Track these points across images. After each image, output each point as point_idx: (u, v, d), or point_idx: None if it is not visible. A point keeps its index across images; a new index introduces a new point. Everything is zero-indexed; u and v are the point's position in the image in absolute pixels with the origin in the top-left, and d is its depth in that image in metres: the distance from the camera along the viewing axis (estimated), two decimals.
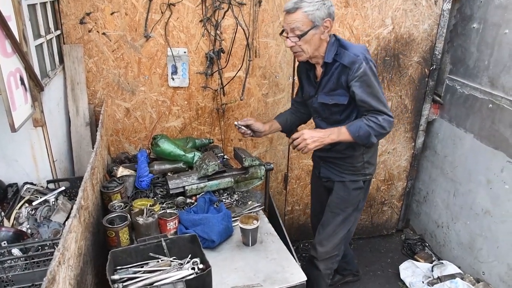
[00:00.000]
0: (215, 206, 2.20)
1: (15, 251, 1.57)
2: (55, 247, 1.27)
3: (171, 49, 2.70)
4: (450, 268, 3.03)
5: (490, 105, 2.74)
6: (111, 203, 2.04)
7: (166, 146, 2.47)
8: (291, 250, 2.00)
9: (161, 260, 1.61)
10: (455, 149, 3.14)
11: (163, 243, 1.63)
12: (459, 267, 3.06)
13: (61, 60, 2.57)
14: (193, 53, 2.76)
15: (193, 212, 2.10)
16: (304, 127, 2.54)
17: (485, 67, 2.81)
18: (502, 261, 2.71)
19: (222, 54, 2.78)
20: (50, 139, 2.17)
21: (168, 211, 2.03)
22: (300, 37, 2.02)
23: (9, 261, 1.54)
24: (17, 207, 1.96)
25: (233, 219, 2.10)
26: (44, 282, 1.11)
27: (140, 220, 1.87)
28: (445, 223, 3.31)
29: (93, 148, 2.09)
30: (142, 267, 1.58)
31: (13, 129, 1.69)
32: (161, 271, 1.54)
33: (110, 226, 1.82)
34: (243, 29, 2.74)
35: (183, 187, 2.25)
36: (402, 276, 3.18)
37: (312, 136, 2.07)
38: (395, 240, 3.75)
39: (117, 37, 2.62)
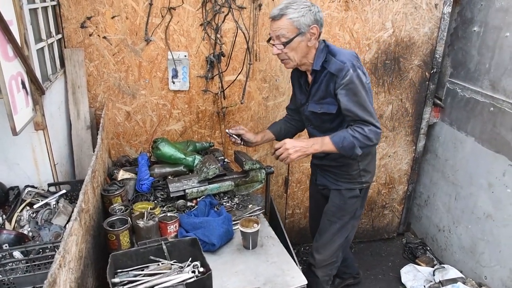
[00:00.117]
0: (215, 209, 2.20)
1: (17, 254, 1.57)
2: (56, 250, 1.27)
3: (171, 52, 2.71)
4: (452, 272, 3.02)
5: (491, 109, 2.75)
6: (112, 206, 2.04)
7: (167, 149, 2.47)
8: (292, 253, 1.99)
9: (162, 263, 1.61)
10: (456, 153, 3.14)
11: (164, 246, 1.63)
12: (461, 271, 3.05)
13: (62, 64, 2.58)
14: (193, 56, 2.77)
15: (193, 215, 2.10)
16: (302, 135, 2.55)
17: (486, 70, 2.81)
18: (504, 265, 2.70)
19: (222, 57, 2.79)
20: (51, 143, 2.17)
21: (168, 214, 2.02)
22: (285, 44, 1.98)
23: (11, 263, 1.55)
24: (19, 210, 1.96)
25: (233, 223, 2.10)
26: (45, 285, 1.11)
27: (141, 223, 1.87)
28: (447, 227, 3.30)
29: (94, 151, 2.10)
30: (142, 270, 1.58)
31: (15, 133, 1.69)
32: (162, 274, 1.54)
33: (111, 229, 1.82)
34: (243, 33, 2.75)
35: (184, 190, 2.25)
36: (403, 280, 3.17)
37: (294, 146, 2.03)
38: (396, 244, 3.74)
39: (118, 41, 2.63)
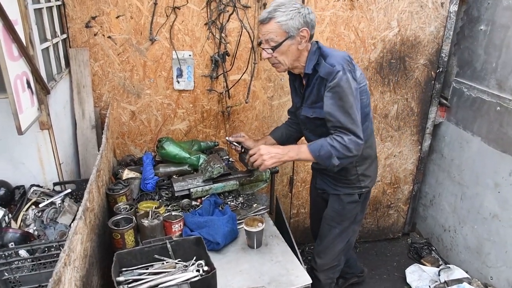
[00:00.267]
0: (220, 208, 2.20)
1: (22, 252, 1.58)
2: (61, 248, 1.27)
3: (176, 52, 2.71)
4: (457, 272, 3.00)
5: (498, 108, 2.73)
6: (117, 205, 2.05)
7: (172, 148, 2.47)
8: (297, 253, 1.99)
9: (166, 262, 1.61)
10: (462, 152, 3.12)
11: (168, 245, 1.63)
12: (467, 272, 3.03)
13: (67, 64, 2.59)
14: (198, 56, 2.77)
15: (198, 214, 2.10)
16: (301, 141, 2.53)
17: (492, 70, 2.79)
18: (510, 266, 2.68)
19: (227, 57, 2.79)
20: (57, 142, 2.18)
21: (173, 213, 2.03)
22: (273, 49, 1.93)
23: (17, 262, 1.55)
24: (24, 209, 1.97)
25: (238, 222, 2.10)
26: (50, 283, 1.11)
27: (146, 222, 1.87)
28: (452, 227, 3.28)
29: (98, 150, 2.10)
30: (147, 269, 1.58)
31: (20, 132, 1.70)
32: (166, 273, 1.54)
33: (116, 228, 1.82)
34: (248, 32, 2.75)
35: (188, 189, 2.25)
36: (408, 280, 3.16)
37: (269, 152, 1.96)
38: (401, 244, 3.72)
39: (123, 40, 2.64)
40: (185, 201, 2.23)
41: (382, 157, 3.38)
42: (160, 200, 2.29)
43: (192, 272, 1.53)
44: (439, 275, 3.05)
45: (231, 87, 2.88)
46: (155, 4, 2.57)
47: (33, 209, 1.97)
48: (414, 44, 3.04)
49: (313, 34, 1.98)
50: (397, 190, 3.57)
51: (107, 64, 2.68)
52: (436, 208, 3.50)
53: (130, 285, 1.48)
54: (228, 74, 2.85)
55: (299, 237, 3.48)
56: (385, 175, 3.47)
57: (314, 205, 2.65)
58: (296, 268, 1.83)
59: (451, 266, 3.11)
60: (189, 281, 1.43)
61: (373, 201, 3.56)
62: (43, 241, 1.73)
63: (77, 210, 1.54)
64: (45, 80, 2.03)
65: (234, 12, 2.68)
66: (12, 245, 1.62)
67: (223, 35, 2.73)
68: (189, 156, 2.49)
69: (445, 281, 2.92)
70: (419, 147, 3.43)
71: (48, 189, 2.16)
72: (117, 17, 2.57)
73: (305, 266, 1.90)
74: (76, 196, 2.18)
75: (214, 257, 1.67)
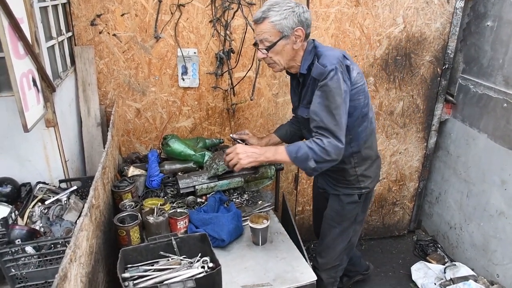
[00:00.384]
0: (225, 205, 2.21)
1: (29, 249, 1.59)
2: (67, 245, 1.28)
3: (181, 49, 2.71)
4: (463, 270, 2.99)
5: (505, 105, 2.70)
6: (122, 202, 2.06)
7: (177, 146, 2.48)
8: (302, 249, 1.98)
9: (171, 259, 1.61)
10: (469, 149, 3.10)
11: (173, 242, 1.64)
12: (473, 269, 3.02)
13: (73, 62, 2.60)
14: (203, 53, 2.77)
15: (203, 211, 2.11)
16: None
17: (499, 66, 2.77)
18: None
19: (232, 54, 2.79)
20: (62, 139, 2.19)
21: (178, 210, 2.04)
22: (268, 49, 1.91)
23: (23, 258, 1.56)
24: (31, 206, 1.99)
25: (243, 219, 2.10)
26: (56, 279, 1.12)
27: (151, 219, 1.88)
28: (458, 224, 3.26)
29: (104, 148, 2.11)
30: (152, 265, 1.59)
31: (26, 129, 1.71)
32: (171, 270, 1.55)
33: (121, 225, 1.83)
34: (253, 29, 2.73)
35: (194, 186, 2.26)
36: (414, 277, 3.15)
37: (246, 151, 1.93)
38: (407, 241, 3.71)
39: (128, 38, 2.64)
40: (190, 198, 2.24)
41: (388, 154, 3.37)
42: (165, 197, 2.29)
43: (197, 269, 1.53)
44: (444, 272, 3.03)
45: (236, 85, 2.88)
46: (160, 1, 2.57)
47: (39, 206, 1.98)
48: (419, 41, 3.02)
49: (309, 33, 1.95)
50: (402, 187, 3.55)
51: (112, 62, 2.68)
52: (442, 205, 3.48)
53: (135, 281, 1.49)
54: (233, 71, 2.85)
55: (304, 235, 3.47)
56: (390, 172, 3.45)
57: (316, 203, 2.65)
58: (301, 265, 1.83)
59: (457, 263, 3.10)
60: (194, 278, 1.43)
61: (378, 199, 3.55)
62: (49, 237, 1.74)
63: (83, 207, 1.55)
64: (51, 78, 2.04)
65: (239, 9, 2.67)
66: (18, 241, 1.63)
67: (228, 32, 2.73)
68: (194, 153, 2.49)
69: (451, 279, 2.91)
70: (425, 144, 3.41)
71: (54, 186, 2.17)
72: (122, 15, 2.58)
73: (311, 263, 1.90)
74: (82, 193, 2.19)
75: (219, 254, 1.67)
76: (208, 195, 2.28)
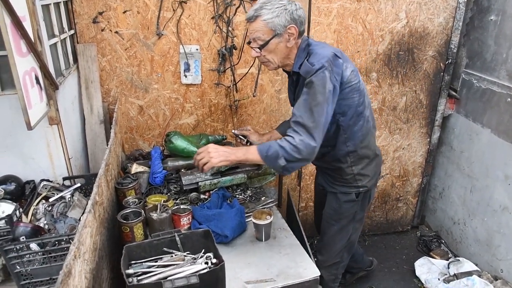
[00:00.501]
0: (228, 202, 2.21)
1: (33, 246, 1.60)
2: (71, 242, 1.29)
3: (183, 46, 2.71)
4: (467, 265, 2.98)
5: (508, 99, 2.69)
6: (126, 199, 2.06)
7: (180, 142, 2.48)
8: (306, 245, 1.99)
9: (175, 255, 1.61)
10: (472, 145, 3.09)
11: (177, 238, 1.64)
12: (476, 265, 3.02)
13: (75, 59, 2.60)
14: (205, 50, 2.77)
15: (206, 207, 2.11)
16: None
17: (503, 60, 2.75)
18: None
19: (234, 50, 2.78)
20: (66, 137, 2.20)
21: (181, 206, 2.04)
22: (260, 47, 1.89)
23: (28, 255, 1.57)
24: (35, 204, 2.00)
25: (246, 215, 2.10)
26: (60, 275, 1.12)
27: (154, 215, 1.89)
28: (462, 219, 3.26)
29: (107, 145, 2.12)
30: (156, 261, 1.59)
31: (29, 127, 1.72)
32: (175, 266, 1.55)
33: (125, 221, 1.84)
34: None
35: (197, 183, 2.26)
36: (417, 273, 3.15)
37: (217, 150, 1.89)
38: (410, 237, 3.71)
39: (130, 35, 2.64)
40: (194, 194, 2.24)
41: (391, 150, 3.36)
42: (169, 194, 2.30)
43: (200, 265, 1.54)
44: (448, 268, 3.03)
45: (239, 81, 2.88)
46: None
47: (43, 203, 1.99)
48: (422, 36, 3.01)
49: (303, 31, 1.93)
50: (406, 183, 3.55)
51: (115, 59, 2.69)
52: (445, 200, 3.47)
53: (139, 278, 1.49)
54: (236, 68, 2.84)
55: (307, 231, 3.45)
56: (393, 168, 3.45)
57: (317, 200, 2.64)
58: (304, 261, 1.84)
59: (460, 259, 3.09)
60: (197, 274, 1.44)
61: (381, 194, 3.55)
62: (53, 234, 1.74)
63: (87, 204, 1.56)
64: (54, 75, 2.04)
65: (241, 6, 2.67)
66: (23, 238, 1.64)
67: (230, 28, 2.73)
68: (197, 149, 2.48)
69: (454, 274, 2.91)
70: (428, 139, 3.40)
71: (58, 183, 2.18)
72: (124, 12, 2.58)
73: (315, 259, 1.90)
74: (86, 191, 2.20)
75: (222, 250, 1.68)
76: (211, 192, 2.28)
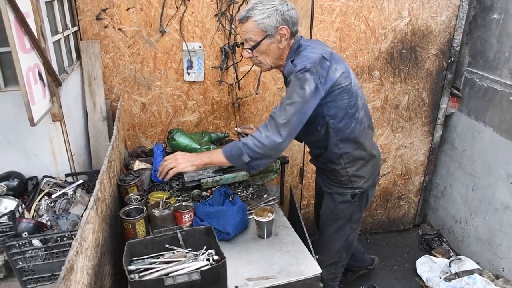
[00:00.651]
0: (230, 199, 2.21)
1: (36, 242, 1.61)
2: (73, 238, 1.29)
3: (186, 43, 2.71)
4: (468, 263, 2.99)
5: (511, 98, 2.69)
6: (128, 195, 2.07)
7: (182, 140, 2.49)
8: (308, 243, 1.99)
9: (177, 252, 1.62)
10: (474, 143, 3.09)
11: (179, 235, 1.65)
12: (478, 263, 3.02)
13: (78, 56, 2.61)
14: (208, 47, 2.77)
15: (208, 204, 2.12)
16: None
17: (506, 59, 2.75)
18: None
19: (237, 48, 2.78)
20: (68, 134, 2.21)
21: (183, 203, 2.05)
22: (252, 49, 1.89)
23: (30, 251, 1.58)
24: (37, 200, 2.01)
25: (248, 212, 2.11)
26: (62, 270, 1.13)
27: (156, 212, 1.90)
28: (464, 218, 3.26)
29: (110, 142, 2.12)
30: (158, 258, 1.60)
31: (32, 123, 1.73)
32: (177, 262, 1.56)
33: (127, 218, 1.85)
34: None
35: (199, 180, 2.27)
36: (419, 271, 3.15)
37: (184, 156, 1.94)
38: (412, 235, 3.71)
39: (133, 32, 2.65)
40: (196, 191, 2.25)
41: (393, 148, 3.36)
42: (171, 191, 2.31)
43: (202, 261, 1.54)
44: (450, 266, 3.03)
45: (241, 78, 2.88)
46: None
47: (45, 199, 2.00)
48: (425, 34, 3.00)
49: (295, 31, 1.92)
50: (408, 181, 3.55)
51: (118, 56, 2.69)
52: (447, 199, 3.47)
53: (141, 274, 1.50)
54: (238, 65, 2.85)
55: (309, 228, 3.45)
56: (396, 166, 3.45)
57: (317, 199, 2.64)
58: (306, 258, 1.84)
59: (462, 257, 3.09)
60: (199, 270, 1.44)
61: (383, 193, 3.55)
62: (55, 231, 1.75)
63: (89, 201, 1.56)
64: (57, 72, 2.05)
65: (244, 3, 2.67)
66: (25, 234, 1.65)
67: (233, 26, 2.73)
68: (199, 147, 2.50)
69: (456, 272, 2.91)
70: (430, 138, 3.40)
71: (61, 180, 2.19)
72: (127, 9, 2.58)
73: (316, 256, 1.91)
74: (88, 187, 2.21)
75: (224, 247, 1.68)
76: (213, 189, 2.28)
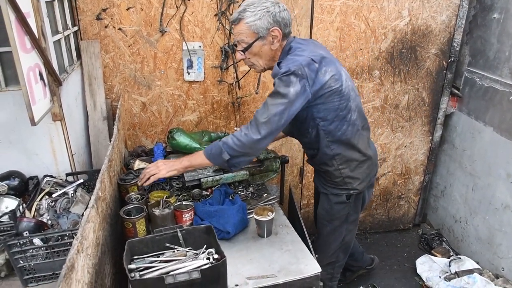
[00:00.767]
0: (230, 198, 2.22)
1: (36, 241, 1.61)
2: (74, 237, 1.30)
3: (186, 43, 2.72)
4: (468, 263, 2.99)
5: (511, 98, 2.69)
6: (128, 195, 2.07)
7: (182, 139, 2.49)
8: (308, 242, 1.99)
9: (177, 250, 1.63)
10: (474, 143, 3.09)
11: (179, 234, 1.65)
12: (478, 263, 3.02)
13: (79, 56, 2.61)
14: (208, 47, 2.77)
15: (208, 204, 2.12)
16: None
17: (506, 59, 2.75)
18: None
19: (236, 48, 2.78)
20: (69, 133, 2.21)
21: (184, 203, 2.05)
22: (244, 50, 1.90)
23: (31, 250, 1.59)
24: (38, 199, 2.01)
25: (248, 211, 2.11)
26: (63, 268, 1.13)
27: (157, 211, 1.90)
28: (463, 217, 3.26)
29: (110, 141, 2.13)
30: (158, 257, 1.60)
31: (33, 123, 1.73)
32: (177, 261, 1.56)
33: (127, 217, 1.85)
34: None
35: (199, 179, 2.27)
36: (418, 271, 3.15)
37: (165, 163, 2.02)
38: (412, 235, 3.71)
39: (133, 32, 2.65)
40: (196, 191, 2.25)
41: (393, 148, 3.37)
42: (171, 190, 2.31)
43: (202, 260, 1.55)
44: (449, 266, 3.04)
45: (241, 78, 2.89)
46: None
47: (46, 199, 2.00)
48: (425, 34, 3.00)
49: (288, 32, 1.93)
50: (408, 181, 3.55)
51: (118, 56, 2.70)
52: (447, 199, 3.48)
53: (141, 273, 1.50)
54: (238, 65, 2.85)
55: (309, 228, 3.46)
56: (395, 166, 3.45)
57: (316, 198, 2.64)
58: (306, 257, 1.84)
59: (462, 256, 3.09)
60: (199, 269, 1.45)
61: (383, 192, 3.55)
62: (56, 230, 1.76)
63: (89, 200, 1.57)
64: (57, 72, 2.06)
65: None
66: (26, 233, 1.65)
67: (233, 26, 2.73)
68: (199, 146, 2.50)
69: (455, 272, 2.91)
70: (430, 137, 3.40)
71: (61, 179, 2.19)
72: (128, 9, 2.59)
73: (317, 255, 1.91)
74: (88, 187, 2.21)
75: (224, 246, 1.68)
76: (213, 188, 2.29)
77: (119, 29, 2.63)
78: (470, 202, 3.17)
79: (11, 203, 1.94)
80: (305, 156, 3.24)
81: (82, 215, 1.89)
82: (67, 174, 2.21)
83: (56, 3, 2.24)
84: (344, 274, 2.90)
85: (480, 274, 2.83)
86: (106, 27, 2.61)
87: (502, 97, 2.76)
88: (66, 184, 2.14)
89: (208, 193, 2.27)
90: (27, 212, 1.91)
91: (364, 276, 3.13)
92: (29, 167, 2.17)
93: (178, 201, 2.12)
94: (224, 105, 2.97)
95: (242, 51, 1.91)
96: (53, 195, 2.04)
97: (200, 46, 2.75)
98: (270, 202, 2.24)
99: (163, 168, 1.99)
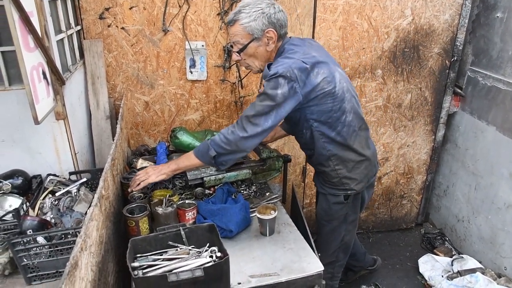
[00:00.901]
0: (233, 197, 2.22)
1: (40, 239, 1.62)
2: (77, 235, 1.30)
3: (189, 42, 2.72)
4: (471, 262, 2.98)
5: None
6: (131, 193, 2.08)
7: (185, 138, 2.50)
8: (310, 240, 1.99)
9: (180, 249, 1.63)
10: (477, 142, 3.09)
11: (182, 232, 1.65)
12: (480, 262, 3.01)
13: (82, 55, 2.62)
14: (211, 46, 2.78)
15: (211, 202, 2.12)
16: None
17: (509, 58, 2.74)
18: None
19: None
20: (72, 132, 2.22)
21: (186, 201, 2.05)
22: (239, 52, 1.91)
23: (35, 248, 1.59)
24: (41, 198, 2.02)
25: (251, 210, 2.11)
26: (67, 266, 1.14)
27: (160, 210, 1.90)
28: (466, 217, 3.26)
29: (113, 140, 2.13)
30: (161, 255, 1.61)
31: (36, 122, 1.73)
32: (180, 259, 1.56)
33: (130, 215, 1.85)
34: None
35: (202, 178, 2.27)
36: (421, 270, 3.15)
37: (154, 168, 2.06)
38: (415, 234, 3.71)
39: (136, 31, 2.66)
40: (199, 189, 2.25)
41: (395, 147, 3.36)
42: (174, 189, 2.31)
43: (205, 258, 1.55)
44: (452, 265, 3.03)
45: (244, 77, 2.89)
46: None
47: (49, 197, 2.01)
48: (428, 33, 3.00)
49: (284, 33, 1.93)
50: (410, 180, 3.55)
51: (121, 55, 2.70)
52: (450, 198, 3.47)
53: (144, 271, 1.51)
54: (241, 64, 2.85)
55: (312, 227, 3.46)
56: (398, 165, 3.45)
57: (317, 197, 2.64)
58: (308, 255, 1.85)
59: (464, 256, 3.09)
60: (202, 267, 1.45)
61: (386, 191, 3.55)
62: (60, 228, 1.76)
63: (93, 199, 1.57)
64: (60, 71, 2.06)
65: None
66: (30, 232, 1.66)
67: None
68: None
69: (458, 271, 2.91)
70: (433, 137, 3.40)
71: (64, 178, 2.20)
72: (130, 8, 2.59)
73: (319, 254, 1.91)
74: (92, 185, 2.22)
75: (227, 244, 1.69)
76: (216, 187, 2.29)
77: (122, 28, 2.63)
78: (472, 201, 3.16)
79: (14, 201, 1.95)
80: None
81: (86, 213, 1.90)
82: (70, 173, 2.22)
83: (59, 3, 2.25)
84: (345, 274, 2.90)
85: (483, 273, 2.83)
86: (109, 26, 2.61)
87: (505, 96, 2.76)
88: (69, 182, 2.15)
89: (211, 192, 2.27)
90: (30, 210, 1.91)
91: (366, 275, 3.13)
92: (33, 166, 2.18)
93: (181, 200, 2.12)
94: (227, 104, 2.97)
95: (237, 52, 1.93)
96: (57, 194, 2.04)
97: (202, 45, 2.75)
98: (272, 201, 2.24)
99: (152, 174, 2.03)
